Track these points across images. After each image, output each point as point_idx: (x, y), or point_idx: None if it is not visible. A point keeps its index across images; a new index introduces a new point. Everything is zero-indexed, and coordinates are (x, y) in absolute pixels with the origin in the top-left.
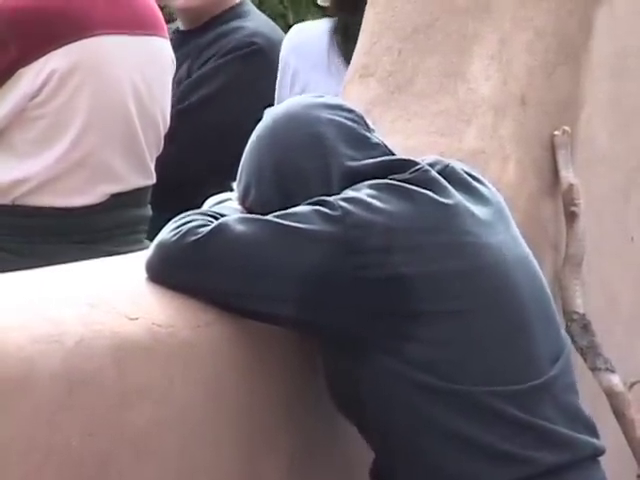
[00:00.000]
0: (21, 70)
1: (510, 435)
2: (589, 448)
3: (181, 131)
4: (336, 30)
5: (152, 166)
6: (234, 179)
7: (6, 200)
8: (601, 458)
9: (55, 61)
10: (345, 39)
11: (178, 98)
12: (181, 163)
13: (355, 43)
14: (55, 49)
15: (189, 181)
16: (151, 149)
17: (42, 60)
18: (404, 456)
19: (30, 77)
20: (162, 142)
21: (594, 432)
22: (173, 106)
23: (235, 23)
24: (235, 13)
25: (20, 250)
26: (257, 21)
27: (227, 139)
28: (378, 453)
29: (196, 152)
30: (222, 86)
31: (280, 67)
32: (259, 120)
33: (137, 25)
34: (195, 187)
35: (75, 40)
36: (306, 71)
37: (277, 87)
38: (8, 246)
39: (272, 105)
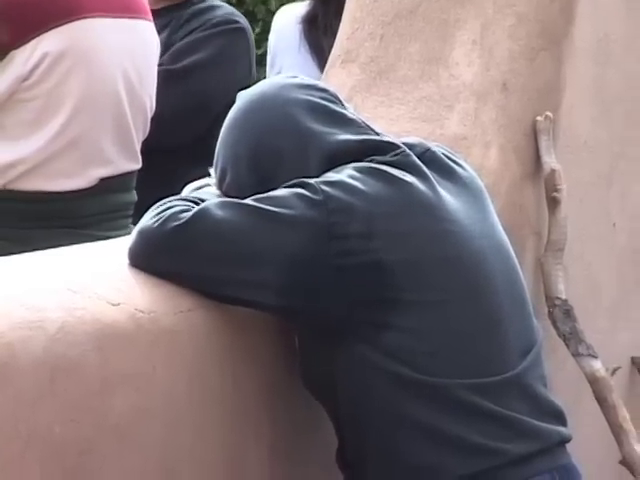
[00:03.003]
0: (13, 52)
1: (480, 427)
2: (557, 436)
3: (168, 92)
4: (304, 18)
5: (139, 150)
6: (210, 155)
7: None
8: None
9: (46, 44)
10: (310, 27)
11: (165, 61)
12: (157, 130)
13: (320, 31)
14: (46, 31)
15: (169, 147)
16: (138, 133)
17: (33, 42)
18: (373, 444)
19: (22, 59)
20: (148, 126)
21: (562, 421)
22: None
23: (207, 3)
24: None
25: (13, 236)
26: (228, 7)
27: (203, 111)
28: (347, 440)
29: (179, 115)
30: (211, 55)
31: (268, 47)
32: (234, 102)
33: (125, 8)
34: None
35: (66, 22)
36: (282, 52)
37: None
38: (1, 232)
39: (248, 86)
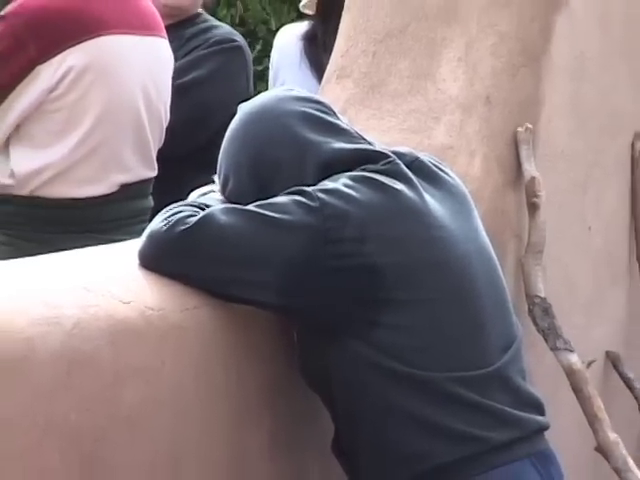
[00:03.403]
0: (39, 67)
1: (465, 416)
2: (535, 425)
3: (172, 106)
4: (304, 36)
5: (155, 158)
6: (213, 164)
7: (24, 191)
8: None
9: (71, 58)
10: (310, 44)
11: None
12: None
13: (320, 49)
14: (71, 47)
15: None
16: (155, 142)
17: (59, 57)
18: (366, 434)
19: (48, 73)
20: (163, 135)
21: (540, 410)
22: None
23: (208, 23)
24: (203, 18)
25: (37, 239)
26: (227, 27)
27: (206, 122)
28: (342, 429)
29: (183, 126)
30: (211, 71)
31: (270, 64)
32: (234, 114)
33: (144, 26)
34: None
35: (89, 39)
36: (284, 68)
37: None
38: (26, 235)
39: (246, 100)
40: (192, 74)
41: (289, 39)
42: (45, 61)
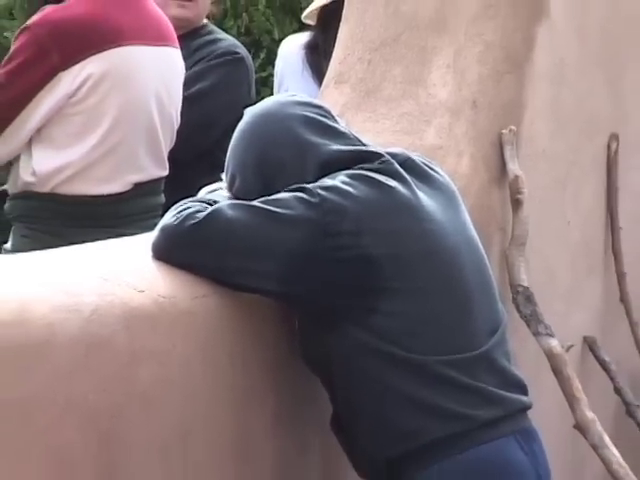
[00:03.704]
0: (61, 74)
1: (455, 397)
2: (519, 404)
3: (182, 114)
4: (306, 45)
5: (166, 159)
6: (219, 164)
7: (45, 188)
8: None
9: (90, 67)
10: (312, 52)
11: None
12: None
13: (322, 57)
14: (91, 56)
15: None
16: (167, 143)
17: (79, 66)
18: (364, 413)
19: (69, 80)
20: (174, 137)
21: (524, 390)
22: None
23: (213, 36)
24: (208, 29)
25: (56, 232)
26: (230, 39)
27: (212, 128)
28: (341, 409)
29: (192, 132)
30: (215, 82)
31: (275, 72)
32: (237, 119)
33: (159, 37)
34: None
35: (107, 49)
36: (288, 75)
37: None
38: (46, 229)
39: (249, 105)
40: (198, 85)
41: (292, 48)
42: (66, 68)
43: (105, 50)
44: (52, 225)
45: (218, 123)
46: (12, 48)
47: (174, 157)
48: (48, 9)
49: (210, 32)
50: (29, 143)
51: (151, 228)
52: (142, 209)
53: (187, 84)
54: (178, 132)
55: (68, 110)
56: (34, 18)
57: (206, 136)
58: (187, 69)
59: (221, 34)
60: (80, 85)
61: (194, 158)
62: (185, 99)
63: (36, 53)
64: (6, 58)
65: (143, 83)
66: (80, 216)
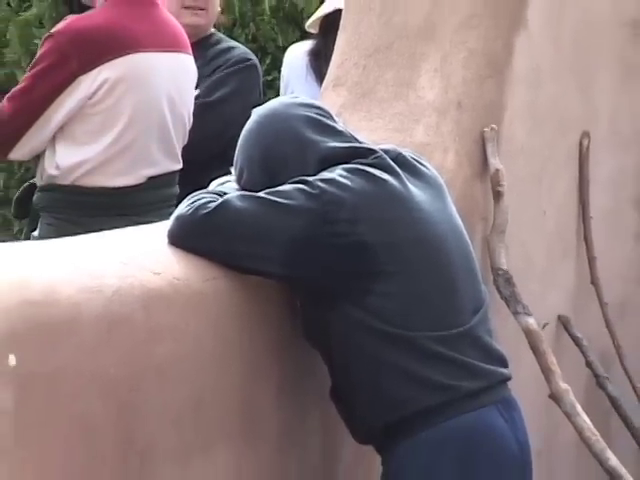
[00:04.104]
0: (80, 78)
1: (443, 369)
2: (500, 376)
3: (206, 119)
4: (310, 52)
5: (179, 154)
6: (232, 164)
7: (67, 181)
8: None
9: (107, 72)
10: (315, 58)
11: (201, 94)
12: (196, 146)
13: (323, 62)
14: (107, 62)
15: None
16: (179, 140)
17: (97, 70)
18: (361, 384)
19: (87, 83)
20: (187, 135)
21: (504, 364)
22: (196, 99)
23: (226, 44)
24: (217, 38)
25: (78, 221)
26: (240, 47)
27: (228, 130)
28: (339, 381)
29: (210, 138)
30: (234, 89)
31: (281, 76)
32: (248, 118)
33: (173, 44)
34: (202, 168)
35: (123, 55)
36: (293, 80)
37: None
38: (69, 218)
39: (259, 106)
40: (218, 93)
41: (297, 55)
42: (85, 73)
43: (122, 56)
44: (74, 214)
45: (233, 125)
46: (38, 53)
47: (192, 158)
48: (71, 18)
49: (219, 40)
50: (53, 140)
51: (166, 217)
52: (157, 199)
53: (208, 93)
54: (197, 134)
55: (88, 110)
56: (58, 26)
57: (222, 137)
58: (206, 77)
59: (230, 42)
60: (97, 88)
61: (209, 157)
62: (207, 105)
63: (58, 59)
64: (32, 62)
65: (156, 85)
66: (99, 206)
